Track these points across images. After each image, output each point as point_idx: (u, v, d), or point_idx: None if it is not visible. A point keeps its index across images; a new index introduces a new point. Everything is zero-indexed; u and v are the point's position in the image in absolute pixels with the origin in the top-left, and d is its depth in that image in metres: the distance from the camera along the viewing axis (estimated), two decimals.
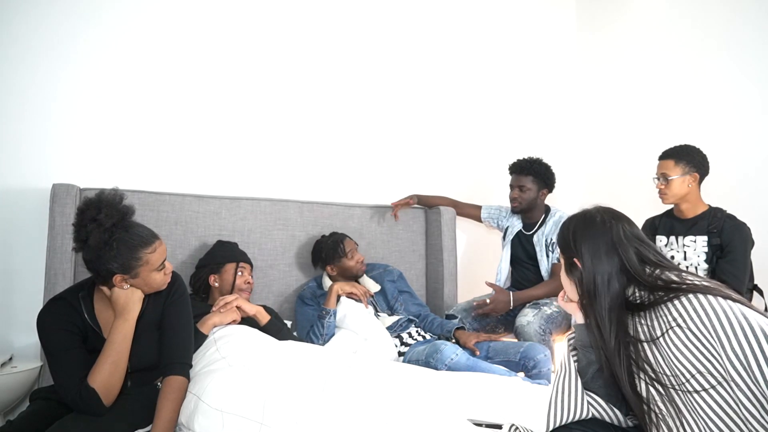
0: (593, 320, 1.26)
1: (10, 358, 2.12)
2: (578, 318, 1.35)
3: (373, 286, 2.58)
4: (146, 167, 2.54)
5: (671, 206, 2.44)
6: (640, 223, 2.56)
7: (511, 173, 2.79)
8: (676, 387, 1.13)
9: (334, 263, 2.53)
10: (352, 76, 3.09)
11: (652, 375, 1.17)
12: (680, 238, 2.37)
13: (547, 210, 2.78)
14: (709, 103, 3.04)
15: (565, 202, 3.48)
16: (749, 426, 1.04)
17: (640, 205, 2.79)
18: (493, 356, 2.29)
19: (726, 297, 1.11)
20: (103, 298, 1.56)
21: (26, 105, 2.32)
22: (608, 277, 1.25)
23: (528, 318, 2.43)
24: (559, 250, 1.41)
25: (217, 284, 2.21)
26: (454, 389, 1.75)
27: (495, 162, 3.44)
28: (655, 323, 1.17)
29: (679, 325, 1.12)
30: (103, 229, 1.44)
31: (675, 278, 1.19)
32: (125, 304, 1.52)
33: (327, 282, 2.55)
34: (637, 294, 1.23)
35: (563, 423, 1.29)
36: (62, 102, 2.39)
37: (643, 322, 1.20)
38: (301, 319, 2.44)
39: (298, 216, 2.71)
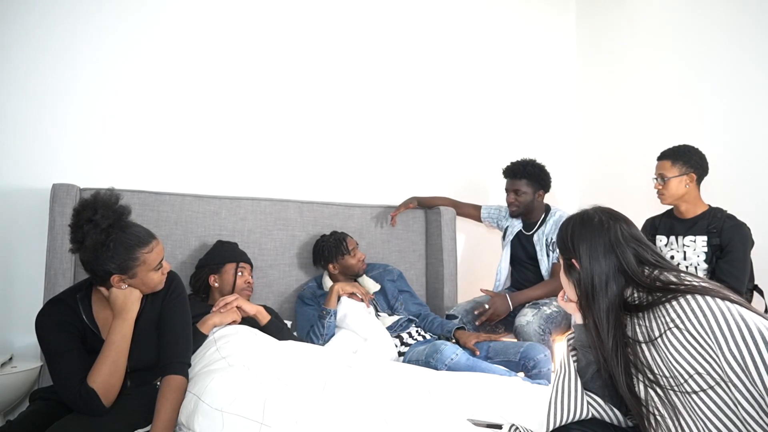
0: (591, 321, 1.26)
1: (10, 358, 2.12)
2: (578, 318, 1.35)
3: (373, 286, 2.58)
4: (146, 167, 2.54)
5: (671, 206, 2.44)
6: (639, 224, 2.56)
7: (505, 177, 2.77)
8: (675, 388, 1.13)
9: (336, 261, 2.53)
10: (352, 77, 3.09)
11: (650, 376, 1.17)
12: (680, 238, 2.37)
13: (547, 209, 2.77)
14: (709, 102, 3.04)
15: (564, 202, 3.48)
16: (747, 426, 1.04)
17: (640, 205, 2.79)
18: (493, 356, 2.29)
19: (724, 298, 1.11)
20: (101, 298, 1.56)
21: (26, 105, 2.32)
22: (606, 278, 1.25)
23: (527, 318, 2.43)
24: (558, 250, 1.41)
25: (217, 284, 2.21)
26: (454, 389, 1.75)
27: (494, 162, 3.44)
28: (653, 324, 1.17)
29: (677, 326, 1.12)
30: (100, 229, 1.44)
31: (673, 279, 1.19)
32: (123, 305, 1.51)
33: (327, 282, 2.55)
34: (635, 295, 1.23)
35: (563, 423, 1.29)
36: (62, 102, 2.39)
37: (641, 323, 1.20)
38: (301, 319, 2.44)
39: (298, 216, 2.71)
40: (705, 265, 2.29)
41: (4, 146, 2.28)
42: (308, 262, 2.69)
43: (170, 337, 1.60)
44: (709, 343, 1.07)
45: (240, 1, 2.79)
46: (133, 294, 1.54)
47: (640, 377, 1.19)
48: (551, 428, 1.30)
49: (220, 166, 2.71)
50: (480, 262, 3.40)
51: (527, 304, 2.57)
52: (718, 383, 1.07)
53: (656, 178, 2.36)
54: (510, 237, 2.83)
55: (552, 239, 2.65)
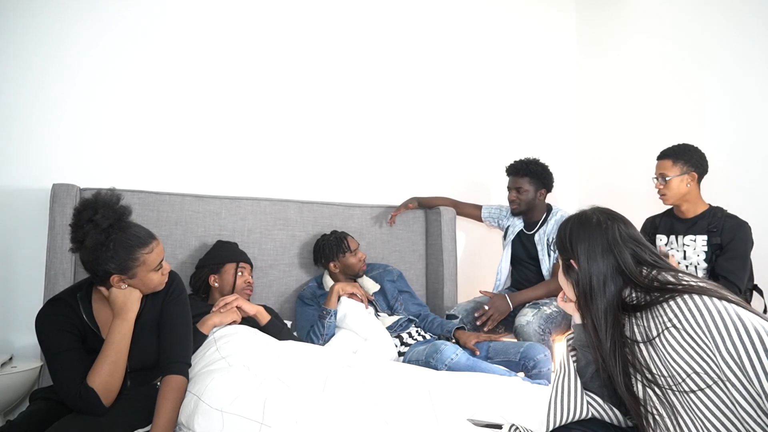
0: (589, 321, 1.27)
1: (10, 358, 2.12)
2: (577, 318, 1.35)
3: (373, 286, 2.58)
4: (146, 167, 2.54)
5: (672, 206, 2.44)
6: (639, 223, 2.56)
7: (508, 175, 2.78)
8: (673, 387, 1.13)
9: (337, 259, 2.53)
10: (352, 77, 3.09)
11: (649, 376, 1.17)
12: (680, 237, 2.37)
13: (548, 209, 2.77)
14: (710, 100, 3.04)
15: (564, 202, 3.48)
16: (746, 425, 1.05)
17: (640, 204, 2.79)
18: (493, 356, 2.29)
19: (721, 297, 1.11)
20: (102, 298, 1.57)
21: (26, 105, 2.32)
22: (604, 278, 1.25)
23: (527, 318, 2.43)
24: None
25: (217, 284, 2.21)
26: (454, 389, 1.75)
27: (495, 162, 3.44)
28: (651, 324, 1.18)
29: (674, 326, 1.12)
30: (100, 229, 1.44)
31: (671, 279, 1.19)
32: (123, 304, 1.51)
33: (327, 282, 2.55)
34: (633, 295, 1.23)
35: (563, 423, 1.29)
36: (62, 102, 2.39)
37: (639, 323, 1.21)
38: (301, 319, 2.44)
39: (298, 216, 2.71)
40: (705, 265, 2.29)
41: (4, 146, 2.29)
42: (308, 262, 2.69)
43: (170, 337, 1.60)
44: (707, 342, 1.08)
45: (240, 2, 2.79)
46: (133, 294, 1.54)
47: (639, 377, 1.20)
48: (551, 428, 1.30)
49: (220, 166, 2.71)
50: (480, 262, 3.40)
51: (527, 304, 2.57)
52: (715, 382, 1.08)
53: (656, 178, 2.36)
54: (511, 236, 2.83)
55: (553, 239, 2.65)
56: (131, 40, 2.53)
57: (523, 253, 2.78)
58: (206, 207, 2.49)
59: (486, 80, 3.57)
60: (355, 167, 3.08)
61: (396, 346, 2.34)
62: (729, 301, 1.10)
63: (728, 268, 2.19)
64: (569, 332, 1.43)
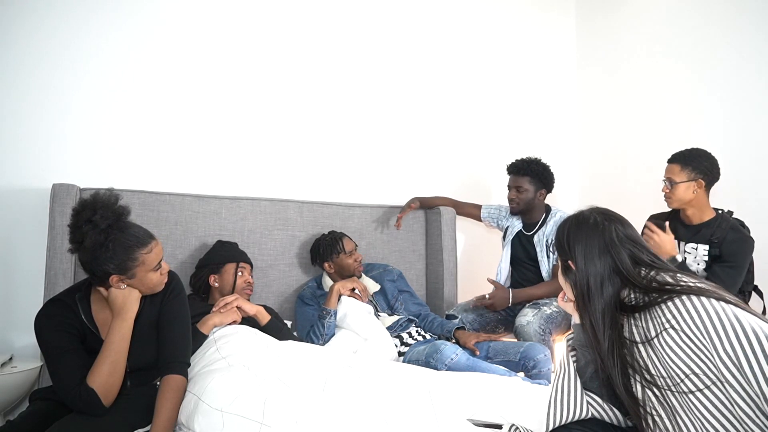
0: (587, 321, 1.27)
1: (10, 358, 2.12)
2: (577, 318, 1.35)
3: (373, 286, 2.58)
4: (146, 167, 2.54)
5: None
6: (639, 224, 2.55)
7: (508, 173, 2.78)
8: (672, 388, 1.13)
9: (332, 260, 2.53)
10: (352, 77, 3.09)
11: (647, 377, 1.17)
12: (682, 244, 2.34)
13: (547, 210, 2.77)
14: (708, 103, 3.04)
15: (564, 203, 3.48)
16: (745, 426, 1.05)
17: (640, 205, 2.79)
18: (493, 356, 2.29)
19: (719, 298, 1.11)
20: (101, 298, 1.57)
21: (26, 105, 2.32)
22: (601, 279, 1.25)
23: (528, 318, 2.43)
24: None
25: (217, 284, 2.21)
26: (454, 389, 1.75)
27: (495, 162, 3.44)
28: (650, 325, 1.18)
29: (672, 327, 1.12)
30: (99, 230, 1.44)
31: (669, 279, 1.19)
32: (123, 305, 1.51)
33: (327, 282, 2.55)
34: (632, 296, 1.23)
35: (563, 423, 1.29)
36: (63, 102, 2.39)
37: (638, 323, 1.21)
38: (301, 319, 2.44)
39: (298, 216, 2.71)
40: (705, 273, 2.27)
41: (4, 146, 2.29)
42: (308, 262, 2.69)
43: (170, 336, 1.60)
44: (704, 343, 1.08)
45: (240, 2, 2.79)
46: (132, 294, 1.54)
47: (638, 378, 1.19)
48: (551, 428, 1.30)
49: (220, 166, 2.71)
50: (480, 262, 3.39)
51: (527, 304, 2.57)
52: (714, 383, 1.08)
53: (665, 181, 2.32)
54: (510, 237, 2.82)
55: (552, 240, 2.65)
56: (132, 41, 2.52)
57: (522, 254, 2.78)
58: (206, 207, 2.49)
59: (487, 81, 3.57)
60: (355, 167, 3.08)
61: (396, 346, 2.34)
62: (727, 301, 1.10)
63: (720, 276, 2.17)
64: (569, 332, 1.43)
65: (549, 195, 2.79)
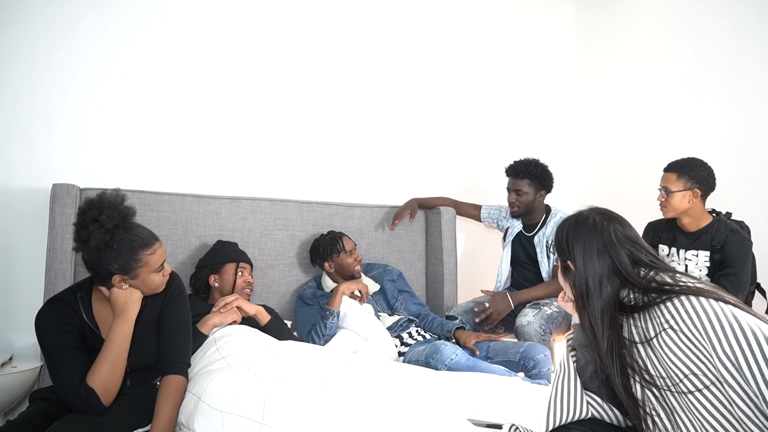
0: (586, 321, 1.27)
1: (10, 358, 2.12)
2: (577, 318, 1.35)
3: (373, 286, 2.58)
4: (146, 167, 2.54)
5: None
6: (638, 224, 2.55)
7: (507, 176, 2.77)
8: (671, 388, 1.13)
9: (332, 260, 2.53)
10: (352, 77, 3.09)
11: (646, 377, 1.17)
12: (682, 252, 2.33)
13: (548, 211, 2.77)
14: (710, 100, 3.04)
15: (564, 203, 3.48)
16: (744, 426, 1.05)
17: (640, 206, 2.79)
18: (493, 356, 2.29)
19: (718, 299, 1.11)
20: (102, 298, 1.57)
21: (26, 105, 2.32)
22: (600, 279, 1.25)
23: (528, 318, 2.43)
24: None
25: (217, 284, 2.21)
26: (454, 389, 1.75)
27: (494, 162, 3.44)
28: (649, 325, 1.18)
29: (671, 327, 1.12)
30: (105, 230, 1.44)
31: (668, 280, 1.19)
32: (124, 305, 1.52)
33: (327, 282, 2.55)
34: (631, 296, 1.23)
35: (563, 423, 1.29)
36: (62, 102, 2.39)
37: (637, 323, 1.21)
38: (302, 319, 2.44)
39: (298, 216, 2.71)
40: (707, 279, 2.26)
41: (4, 146, 2.28)
42: (308, 262, 2.69)
43: (170, 337, 1.60)
44: (703, 343, 1.08)
45: (241, 2, 2.79)
46: (134, 294, 1.54)
47: (637, 378, 1.20)
48: (551, 428, 1.30)
49: (220, 166, 2.71)
50: (480, 262, 3.40)
51: (528, 305, 2.56)
52: (713, 383, 1.08)
53: (660, 189, 2.32)
54: (510, 238, 2.82)
55: (552, 241, 2.64)
56: (131, 40, 2.52)
57: (522, 255, 2.78)
58: (206, 207, 2.49)
59: (486, 80, 3.57)
60: (355, 167, 3.08)
61: (396, 346, 2.34)
62: (726, 302, 1.10)
63: (726, 288, 2.16)
64: (569, 332, 1.43)
65: (549, 195, 2.79)
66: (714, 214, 2.33)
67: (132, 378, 1.57)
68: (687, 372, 1.10)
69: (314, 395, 1.56)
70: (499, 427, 1.56)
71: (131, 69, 2.52)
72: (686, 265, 2.30)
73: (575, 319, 1.37)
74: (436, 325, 2.49)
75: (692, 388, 1.10)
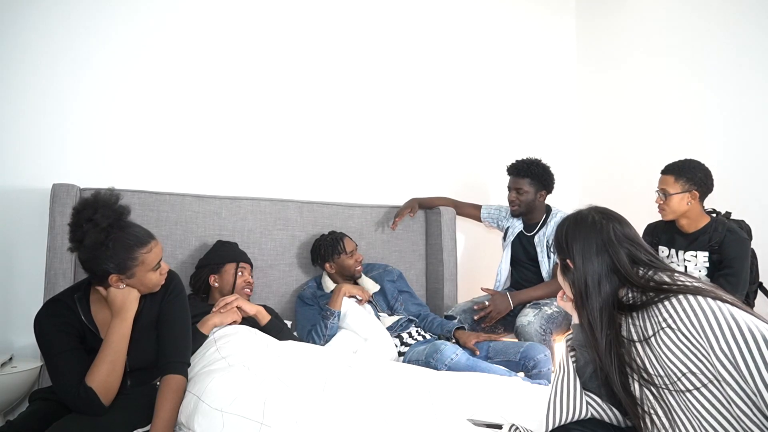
0: (585, 320, 1.27)
1: (10, 358, 2.12)
2: (576, 317, 1.35)
3: (373, 286, 2.58)
4: (146, 167, 2.54)
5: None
6: (638, 224, 2.55)
7: (508, 174, 2.77)
8: (669, 387, 1.13)
9: (333, 260, 2.53)
10: (352, 77, 3.09)
11: (645, 376, 1.17)
12: (680, 253, 2.33)
13: (548, 210, 2.77)
14: (708, 103, 3.04)
15: (564, 204, 3.48)
16: (742, 424, 1.05)
17: (641, 205, 2.79)
18: (493, 356, 2.29)
19: (716, 298, 1.11)
20: (100, 298, 1.56)
21: (26, 105, 2.32)
22: (599, 278, 1.25)
23: (528, 318, 2.43)
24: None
25: (217, 284, 2.21)
26: (454, 389, 1.75)
27: (494, 163, 3.44)
28: (647, 324, 1.18)
29: (669, 326, 1.13)
30: (100, 229, 1.44)
31: (667, 279, 1.20)
32: (122, 304, 1.52)
33: (327, 282, 2.55)
34: (630, 295, 1.24)
35: (562, 423, 1.29)
36: (62, 102, 2.39)
37: (636, 322, 1.21)
38: (302, 319, 2.44)
39: (298, 216, 2.71)
40: (707, 279, 2.26)
41: (4, 146, 2.29)
42: (308, 262, 2.69)
43: (169, 336, 1.60)
44: (701, 341, 1.08)
45: (240, 2, 2.79)
46: (132, 294, 1.54)
47: (635, 376, 1.20)
48: (550, 428, 1.30)
49: (220, 166, 2.71)
50: (480, 262, 3.40)
51: (528, 304, 2.56)
52: (711, 381, 1.08)
53: (658, 192, 2.32)
54: (511, 238, 2.82)
55: (552, 241, 2.64)
56: (132, 41, 2.52)
57: (522, 255, 2.78)
58: (206, 207, 2.49)
59: (487, 82, 3.57)
60: (355, 167, 3.08)
61: (396, 346, 2.34)
62: (723, 301, 1.11)
63: (725, 288, 2.16)
64: (568, 332, 1.43)
65: (549, 195, 2.79)
66: (713, 214, 2.33)
67: (132, 378, 1.57)
68: (685, 370, 1.10)
69: (314, 395, 1.56)
70: (499, 427, 1.55)
71: (132, 70, 2.52)
72: (686, 266, 2.30)
73: (575, 319, 1.37)
74: (436, 325, 2.49)
75: (690, 387, 1.10)
